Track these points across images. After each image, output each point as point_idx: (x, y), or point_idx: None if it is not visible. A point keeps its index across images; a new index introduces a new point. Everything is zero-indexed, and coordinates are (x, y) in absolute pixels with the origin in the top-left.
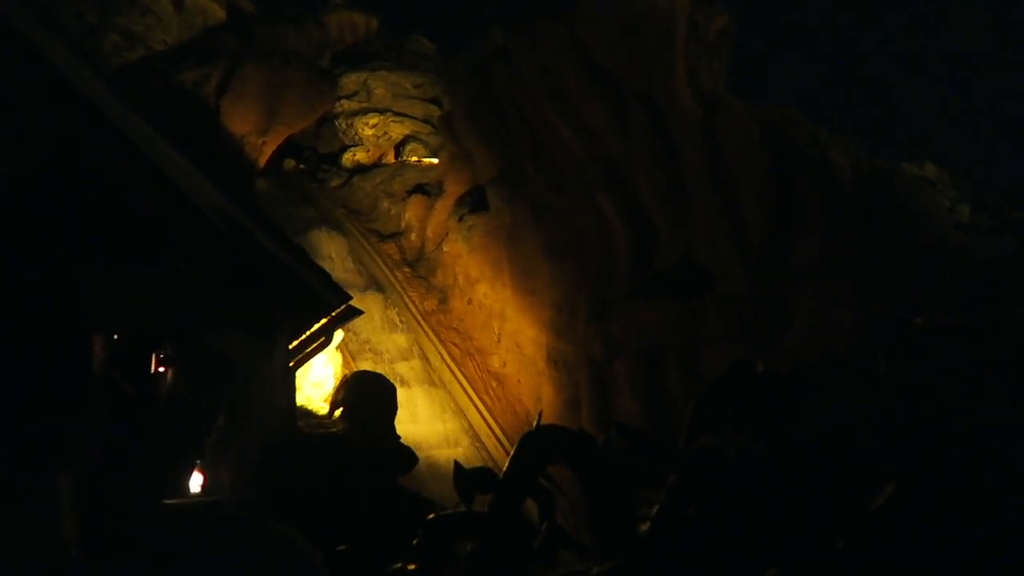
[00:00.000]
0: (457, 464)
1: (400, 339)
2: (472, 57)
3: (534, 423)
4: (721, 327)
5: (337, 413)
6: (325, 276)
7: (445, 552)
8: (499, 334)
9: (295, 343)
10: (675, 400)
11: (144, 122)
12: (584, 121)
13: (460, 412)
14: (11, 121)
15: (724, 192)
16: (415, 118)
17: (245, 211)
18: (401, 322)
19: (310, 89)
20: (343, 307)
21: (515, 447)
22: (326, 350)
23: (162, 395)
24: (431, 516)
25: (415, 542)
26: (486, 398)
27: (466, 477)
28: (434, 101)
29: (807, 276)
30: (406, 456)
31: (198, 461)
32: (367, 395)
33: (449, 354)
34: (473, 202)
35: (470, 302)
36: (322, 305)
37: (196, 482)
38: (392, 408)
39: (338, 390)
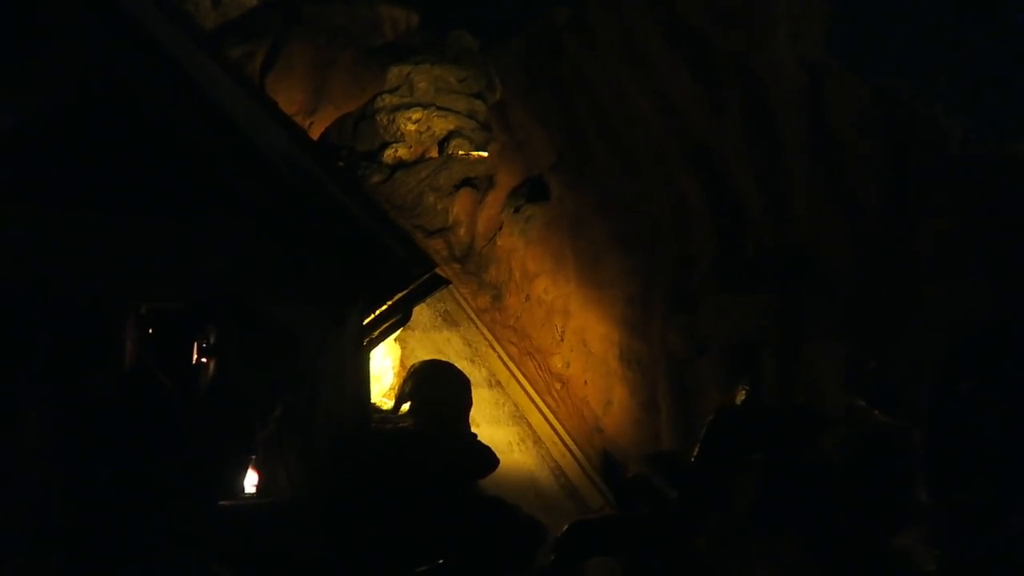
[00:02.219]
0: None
1: (454, 338)
2: (532, 36)
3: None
4: (826, 322)
5: (405, 407)
6: (407, 238)
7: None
8: (562, 332)
9: (369, 318)
10: (772, 405)
11: (195, 47)
12: (667, 94)
13: (521, 416)
14: (38, 43)
15: (832, 170)
16: (459, 113)
17: (315, 158)
18: (454, 320)
19: (359, 68)
20: (427, 275)
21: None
22: (392, 336)
23: (204, 389)
24: (573, 522)
25: (553, 557)
26: (549, 400)
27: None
28: (479, 96)
29: (931, 265)
30: (487, 456)
31: (252, 457)
32: (439, 387)
33: (507, 353)
34: (530, 192)
35: (528, 298)
36: (403, 272)
37: (251, 481)
38: (467, 401)
39: (405, 381)
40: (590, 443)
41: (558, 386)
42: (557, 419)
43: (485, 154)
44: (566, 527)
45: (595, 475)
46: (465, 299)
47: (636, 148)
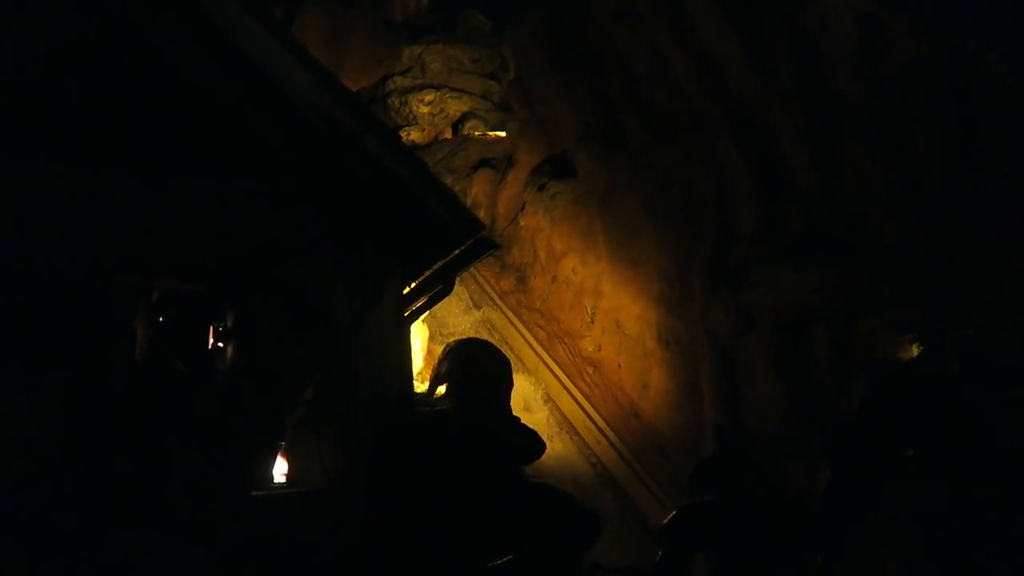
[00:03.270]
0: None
1: (477, 322)
2: (555, 6)
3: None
4: (887, 293)
5: (441, 390)
6: (451, 198)
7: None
8: (592, 314)
9: (410, 287)
10: (823, 383)
11: None
12: (709, 56)
13: (551, 401)
14: None
15: (890, 131)
16: (473, 94)
17: (349, 108)
18: (477, 304)
19: (375, 40)
20: (473, 238)
21: None
22: (421, 317)
23: (223, 375)
24: (681, 508)
25: (661, 550)
26: (582, 385)
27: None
28: (492, 77)
29: (1002, 234)
30: (534, 440)
31: (281, 444)
32: (478, 367)
33: (535, 337)
34: (554, 169)
35: (554, 280)
36: (447, 235)
37: (280, 470)
38: (508, 382)
39: (440, 362)
40: (627, 429)
41: (590, 370)
42: (591, 404)
43: (503, 134)
44: (672, 514)
45: (634, 462)
46: (488, 282)
47: (672, 117)
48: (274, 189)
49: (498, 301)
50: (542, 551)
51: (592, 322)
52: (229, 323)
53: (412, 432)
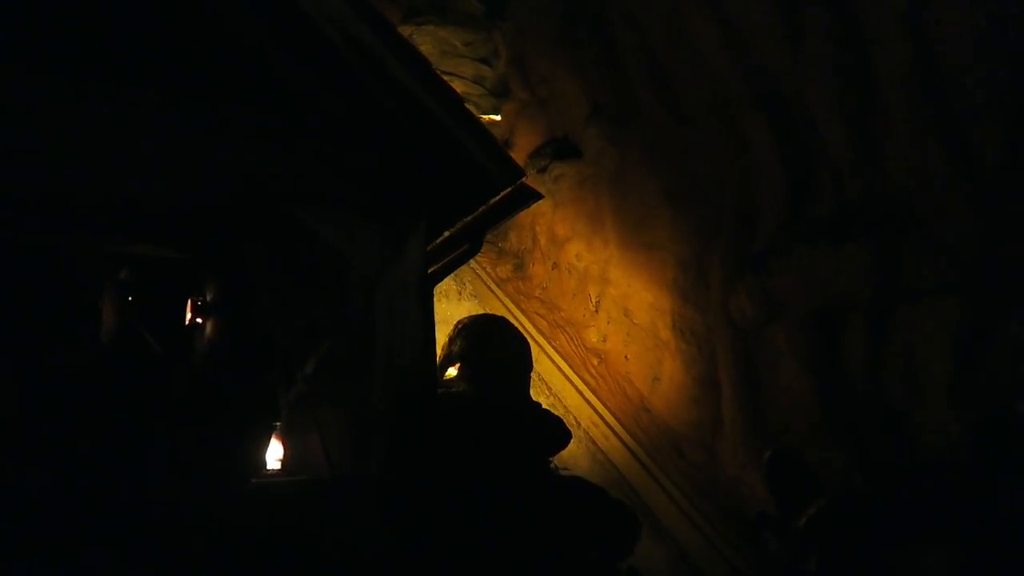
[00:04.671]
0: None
1: (474, 309)
2: None
3: None
4: (932, 278)
5: (451, 372)
6: (489, 139)
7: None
8: (597, 302)
9: (435, 243)
10: (856, 377)
11: None
12: (735, 24)
13: (554, 396)
14: None
15: (938, 106)
16: (465, 78)
17: (377, 31)
18: (473, 292)
19: None
20: (513, 186)
21: None
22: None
23: (202, 353)
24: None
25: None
26: (587, 377)
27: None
28: (484, 61)
29: None
30: (560, 428)
31: (276, 425)
32: (496, 345)
33: (535, 327)
34: (555, 151)
35: (555, 266)
36: (483, 181)
37: (274, 455)
38: (527, 363)
39: (452, 340)
40: (637, 424)
41: (595, 361)
42: (598, 398)
43: (497, 117)
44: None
45: (647, 460)
46: (484, 268)
47: (692, 92)
48: (284, 121)
49: (495, 288)
50: (577, 554)
51: (596, 311)
52: (209, 296)
53: (440, 414)
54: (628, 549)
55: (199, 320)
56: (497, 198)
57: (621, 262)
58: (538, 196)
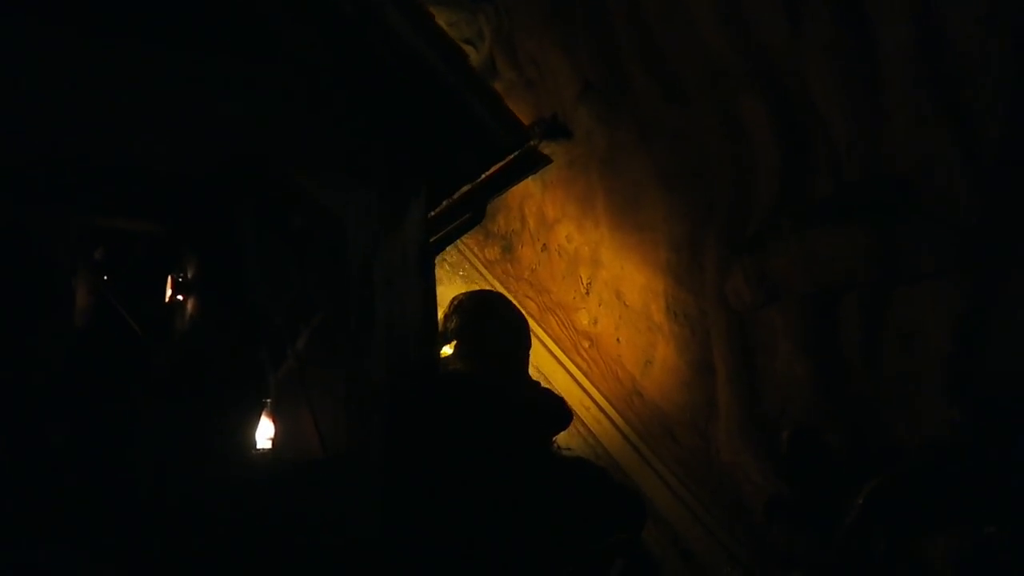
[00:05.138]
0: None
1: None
2: None
3: None
4: (932, 261)
5: (446, 350)
6: (495, 98)
7: None
8: (588, 285)
9: (437, 210)
10: (853, 361)
11: None
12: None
13: (545, 379)
14: None
15: (942, 83)
16: None
17: None
18: (461, 273)
19: None
20: (520, 150)
21: None
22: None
23: (183, 330)
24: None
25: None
26: (579, 360)
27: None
28: (469, 42)
29: None
30: (562, 408)
31: (266, 402)
32: (494, 323)
33: (525, 310)
34: (544, 131)
35: (544, 248)
36: (488, 144)
37: (264, 434)
38: (526, 340)
39: (448, 317)
40: (630, 408)
41: (586, 344)
42: (589, 381)
43: None
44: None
45: (640, 444)
46: (471, 250)
47: (687, 70)
48: (276, 77)
49: (483, 271)
50: (582, 538)
51: (587, 294)
52: (191, 272)
53: (445, 390)
54: (634, 533)
55: (180, 297)
56: (503, 163)
57: (613, 243)
58: (547, 161)
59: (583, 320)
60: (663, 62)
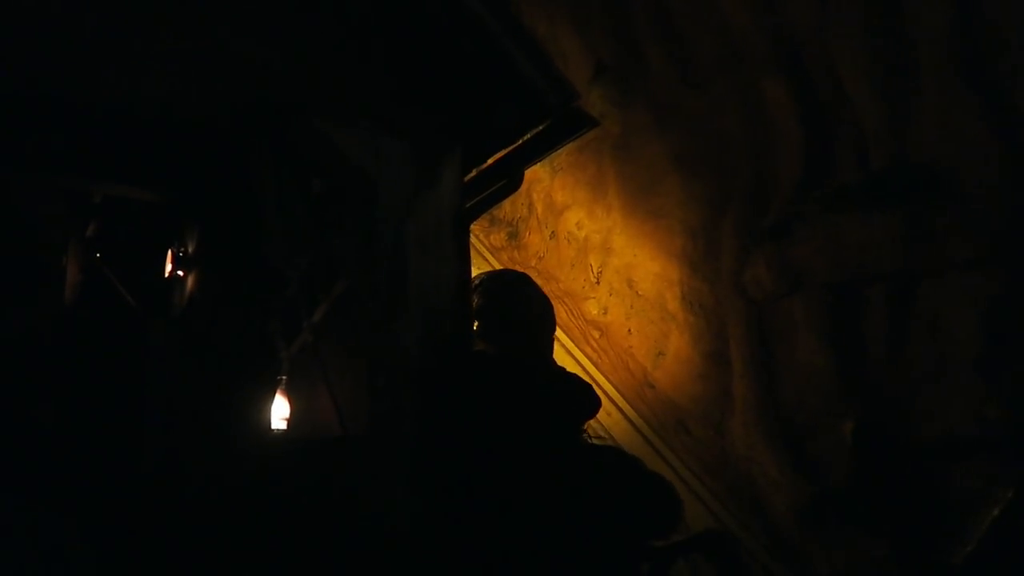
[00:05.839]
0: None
1: None
2: None
3: None
4: (964, 251)
5: None
6: (539, 50)
7: None
8: (598, 273)
9: (473, 173)
10: (878, 353)
11: None
12: None
13: None
14: None
15: (977, 66)
16: None
17: None
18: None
19: None
20: (566, 108)
21: None
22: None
23: (182, 305)
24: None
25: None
26: (588, 351)
27: None
28: None
29: None
30: (589, 391)
31: (281, 380)
32: (519, 302)
33: None
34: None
35: (553, 235)
36: (531, 99)
37: (279, 413)
38: (551, 322)
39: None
40: (642, 400)
41: (596, 335)
42: (600, 372)
43: None
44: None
45: (652, 437)
46: (477, 236)
47: (706, 52)
48: (301, 12)
49: (489, 257)
50: (616, 531)
51: (597, 282)
52: (190, 246)
53: (483, 368)
54: (670, 527)
55: (180, 273)
56: (548, 122)
57: (625, 230)
58: (594, 122)
59: (593, 309)
60: (681, 42)
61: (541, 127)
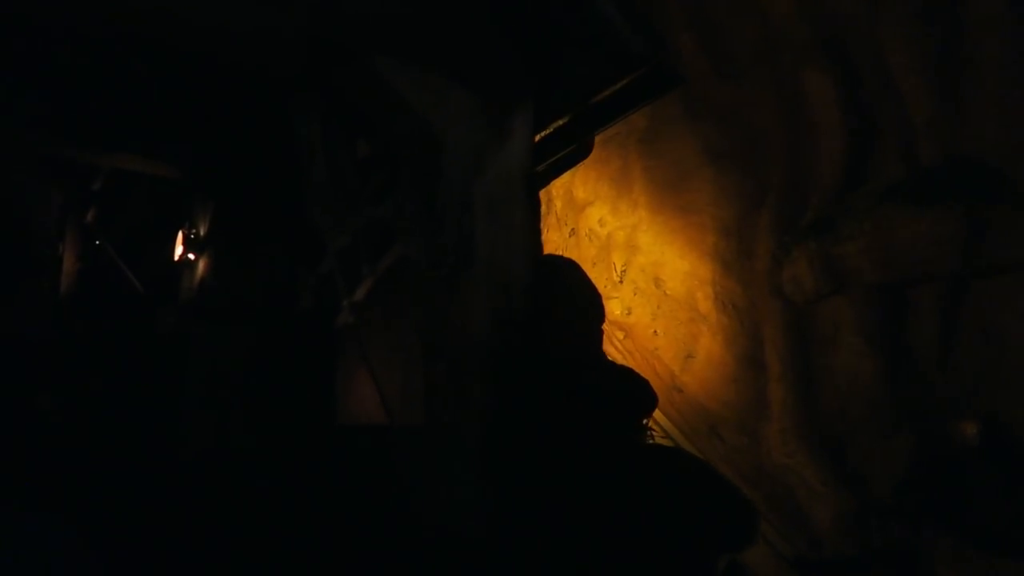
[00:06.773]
0: None
1: None
2: None
3: None
4: (1021, 251)
5: None
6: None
7: None
8: (621, 272)
9: (543, 134)
10: (926, 358)
11: None
12: None
13: None
14: None
15: None
16: None
17: None
18: None
19: None
20: (653, 62)
21: None
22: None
23: (195, 289)
24: None
25: None
26: (613, 352)
27: None
28: None
29: None
30: (647, 386)
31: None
32: (568, 292)
33: None
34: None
35: (573, 233)
36: (616, 50)
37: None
38: (601, 313)
39: None
40: (671, 404)
41: (620, 336)
42: None
43: None
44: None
45: (682, 440)
46: None
47: (742, 41)
48: None
49: None
50: (686, 544)
51: (621, 281)
52: (202, 229)
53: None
54: (746, 541)
55: (191, 256)
56: (632, 76)
57: (652, 227)
58: (682, 80)
59: (616, 309)
60: (716, 32)
61: (620, 83)
